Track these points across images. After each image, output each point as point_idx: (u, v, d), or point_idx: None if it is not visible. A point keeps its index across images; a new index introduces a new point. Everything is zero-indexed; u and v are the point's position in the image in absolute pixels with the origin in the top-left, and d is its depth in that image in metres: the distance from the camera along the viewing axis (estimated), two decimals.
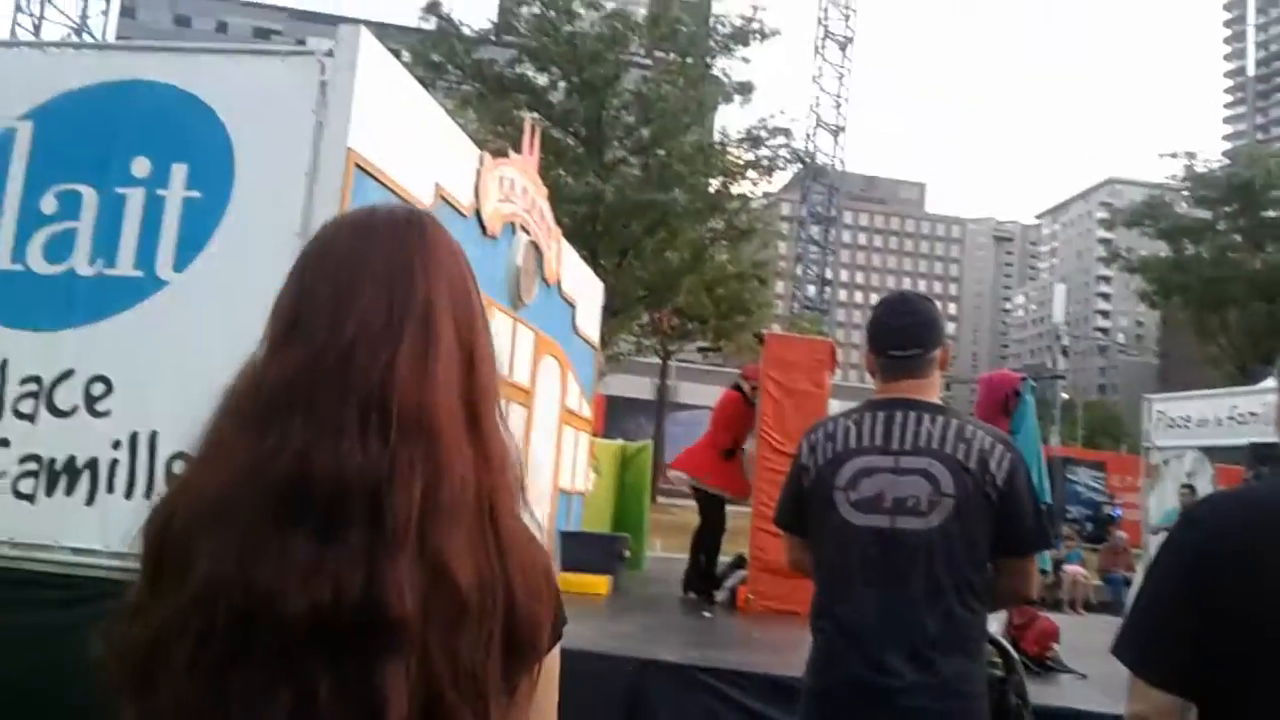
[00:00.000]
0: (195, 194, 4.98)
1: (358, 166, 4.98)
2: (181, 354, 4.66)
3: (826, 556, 2.57)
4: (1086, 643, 5.63)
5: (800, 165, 37.12)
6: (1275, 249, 35.98)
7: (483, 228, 6.72)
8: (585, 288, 10.00)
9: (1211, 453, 16.08)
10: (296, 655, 0.94)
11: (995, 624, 3.09)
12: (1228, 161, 42.36)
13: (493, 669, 1.00)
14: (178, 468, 4.32)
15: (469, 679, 0.98)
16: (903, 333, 2.66)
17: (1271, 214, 37.80)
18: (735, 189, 29.26)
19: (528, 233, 7.55)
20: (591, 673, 4.12)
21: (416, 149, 5.70)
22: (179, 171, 5.01)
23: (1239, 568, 1.66)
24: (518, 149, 7.86)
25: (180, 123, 5.08)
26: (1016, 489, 2.43)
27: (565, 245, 9.06)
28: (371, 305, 1.06)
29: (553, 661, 1.12)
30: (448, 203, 6.04)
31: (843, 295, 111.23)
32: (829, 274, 54.37)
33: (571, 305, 9.25)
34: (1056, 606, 13.25)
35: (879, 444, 2.52)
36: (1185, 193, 40.98)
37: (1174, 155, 40.28)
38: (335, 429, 1.00)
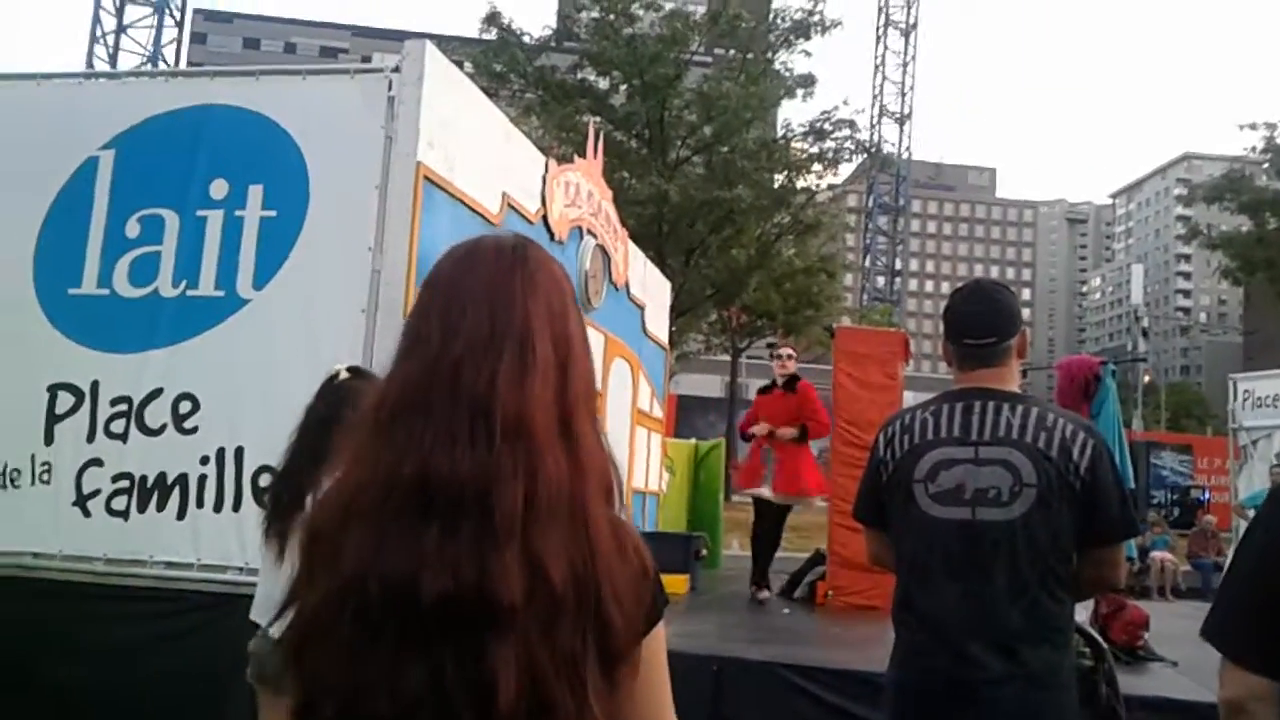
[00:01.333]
0: (272, 213, 5.11)
1: (427, 179, 5.06)
2: (264, 369, 4.79)
3: (907, 550, 2.55)
4: (1176, 630, 5.51)
5: (865, 156, 36.71)
6: None
7: (550, 233, 6.78)
8: (653, 289, 10.03)
9: None
10: (425, 637, 1.07)
11: (1082, 613, 3.04)
12: None
13: (589, 658, 1.10)
14: (264, 481, 4.46)
15: (567, 667, 1.08)
16: (978, 321, 2.62)
17: None
18: (800, 183, 29.06)
19: (595, 236, 7.60)
20: (672, 673, 4.15)
21: (484, 159, 5.77)
22: (255, 192, 5.15)
23: None
24: (582, 154, 7.92)
25: (254, 144, 5.22)
26: (1100, 476, 2.39)
27: (632, 247, 9.09)
28: (476, 325, 1.19)
29: (655, 642, 1.21)
30: (515, 210, 6.11)
31: (913, 285, 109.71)
32: (898, 264, 53.74)
33: (640, 307, 9.28)
34: (1144, 594, 12.92)
35: (957, 435, 2.50)
36: (1266, 165, 39.66)
37: (1253, 127, 39.00)
38: (449, 435, 1.13)
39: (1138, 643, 5.25)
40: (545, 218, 6.69)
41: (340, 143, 5.13)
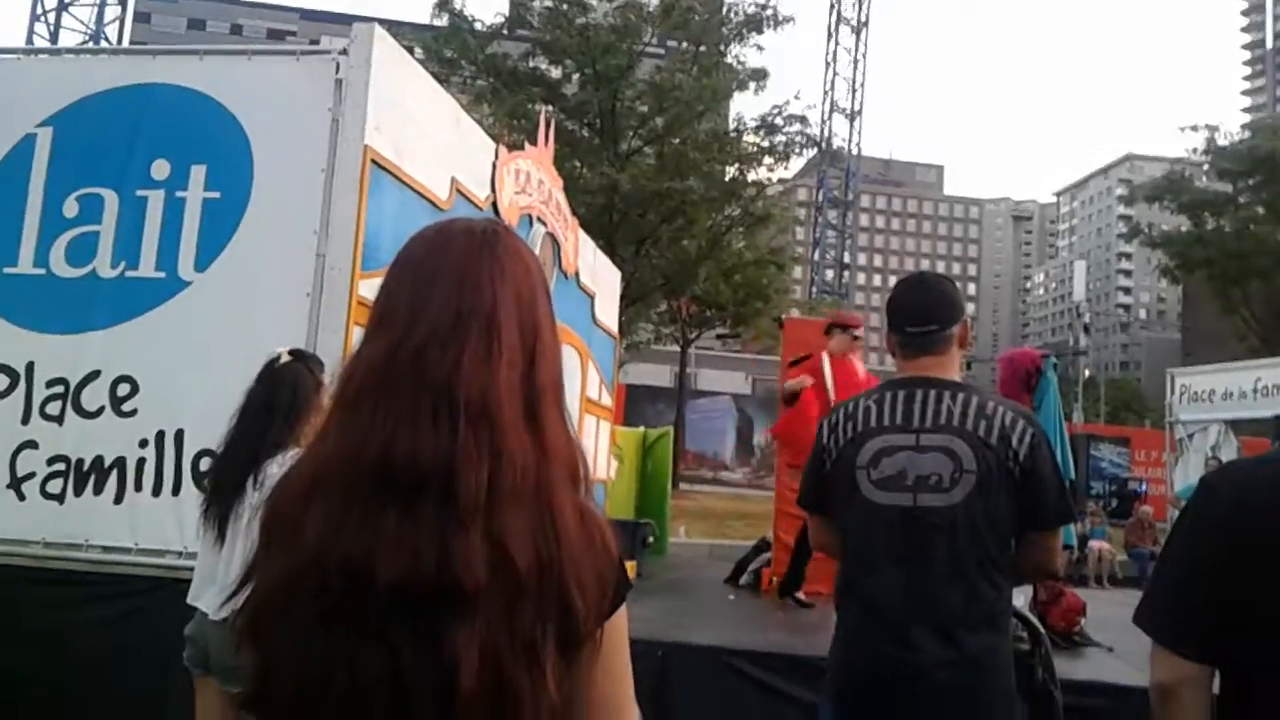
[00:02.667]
0: (215, 195, 5.02)
1: (374, 163, 5.00)
2: (205, 352, 4.71)
3: (850, 536, 2.58)
4: (1112, 616, 5.62)
5: (816, 150, 36.93)
6: None
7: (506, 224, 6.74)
8: (603, 278, 10.01)
9: (1236, 425, 15.99)
10: (383, 618, 1.07)
11: (1021, 599, 3.10)
12: (1248, 134, 41.84)
13: (550, 641, 1.11)
14: (205, 465, 4.40)
15: (527, 650, 1.09)
16: (919, 310, 2.66)
17: None
18: (751, 176, 29.13)
19: (544, 224, 7.57)
20: None
21: (433, 144, 5.71)
22: (198, 173, 5.05)
23: (1262, 531, 1.67)
24: (533, 142, 7.88)
25: (198, 125, 5.12)
26: (1039, 464, 2.43)
27: (582, 236, 9.07)
28: (441, 307, 1.19)
29: (617, 626, 1.22)
30: (464, 196, 6.06)
31: (861, 279, 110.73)
32: (847, 258, 54.17)
33: (590, 295, 9.26)
34: (1082, 582, 13.21)
35: (900, 423, 2.53)
36: (1206, 166, 40.52)
37: (1194, 128, 39.82)
38: (412, 417, 1.13)
39: (1074, 629, 5.35)
40: (494, 204, 6.64)
41: (286, 125, 5.05)
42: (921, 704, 2.33)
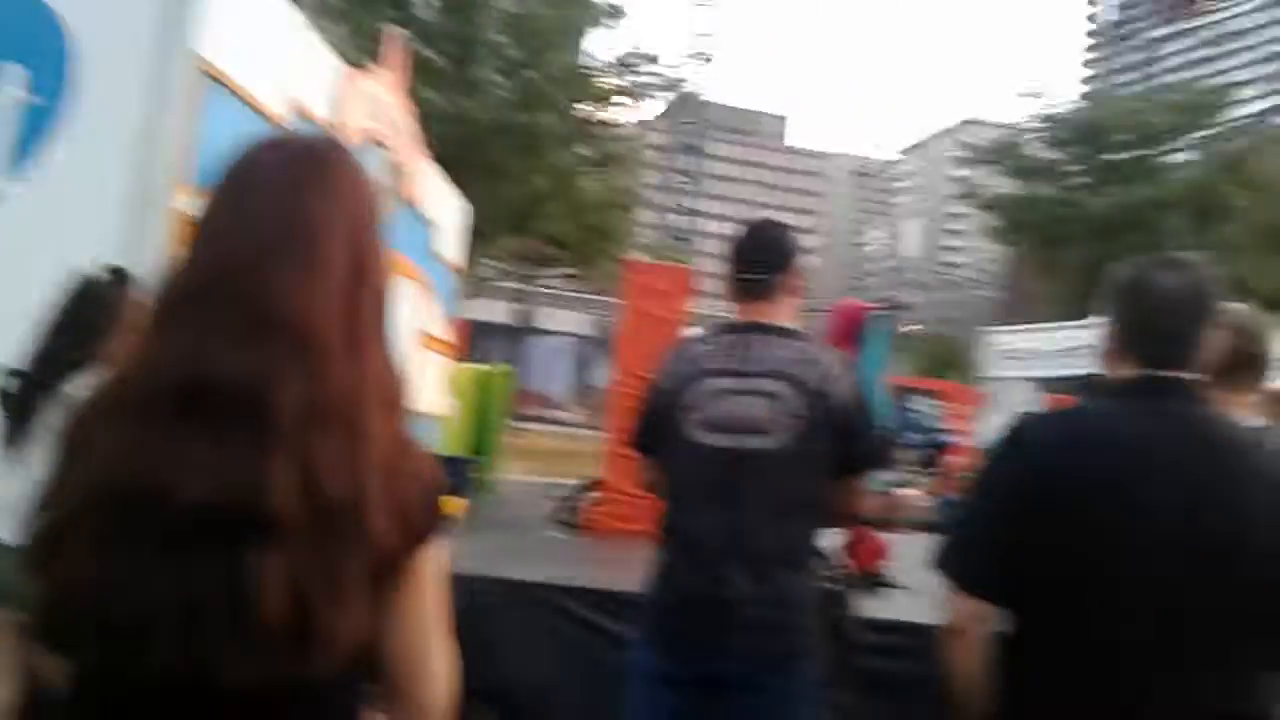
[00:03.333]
0: (29, 97, 4.68)
1: (205, 73, 4.76)
2: (14, 266, 4.41)
3: (675, 475, 2.65)
4: (915, 560, 5.94)
5: (669, 94, 36.94)
6: (1116, 190, 37.68)
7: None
8: (448, 209, 9.82)
9: (1044, 383, 17.01)
10: (181, 542, 1.04)
11: (829, 540, 3.26)
12: (1082, 104, 43.99)
13: (357, 571, 1.10)
14: (9, 384, 4.14)
15: (332, 578, 1.08)
16: (753, 256, 2.73)
17: (1115, 156, 39.52)
18: (604, 115, 28.95)
19: (388, 149, 7.37)
20: None
21: (270, 58, 5.46)
22: (11, 73, 4.70)
23: (1056, 480, 1.80)
24: (381, 64, 7.63)
25: (13, 21, 4.75)
26: (856, 411, 2.55)
27: (428, 165, 8.87)
28: (265, 223, 1.16)
29: (432, 559, 1.23)
30: (304, 115, 5.84)
31: (707, 225, 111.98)
32: (694, 204, 54.65)
33: (433, 226, 9.09)
34: (889, 527, 13.85)
35: (730, 366, 2.60)
36: (1039, 134, 42.46)
37: (1037, 96, 41.62)
38: (227, 335, 1.09)
39: (878, 570, 5.65)
40: (336, 125, 6.42)
41: (111, 27, 4.73)
42: (731, 638, 2.43)
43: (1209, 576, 1.70)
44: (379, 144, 7.24)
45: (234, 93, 5.02)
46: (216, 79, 4.85)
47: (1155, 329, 1.89)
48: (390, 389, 1.21)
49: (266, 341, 1.10)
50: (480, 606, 4.18)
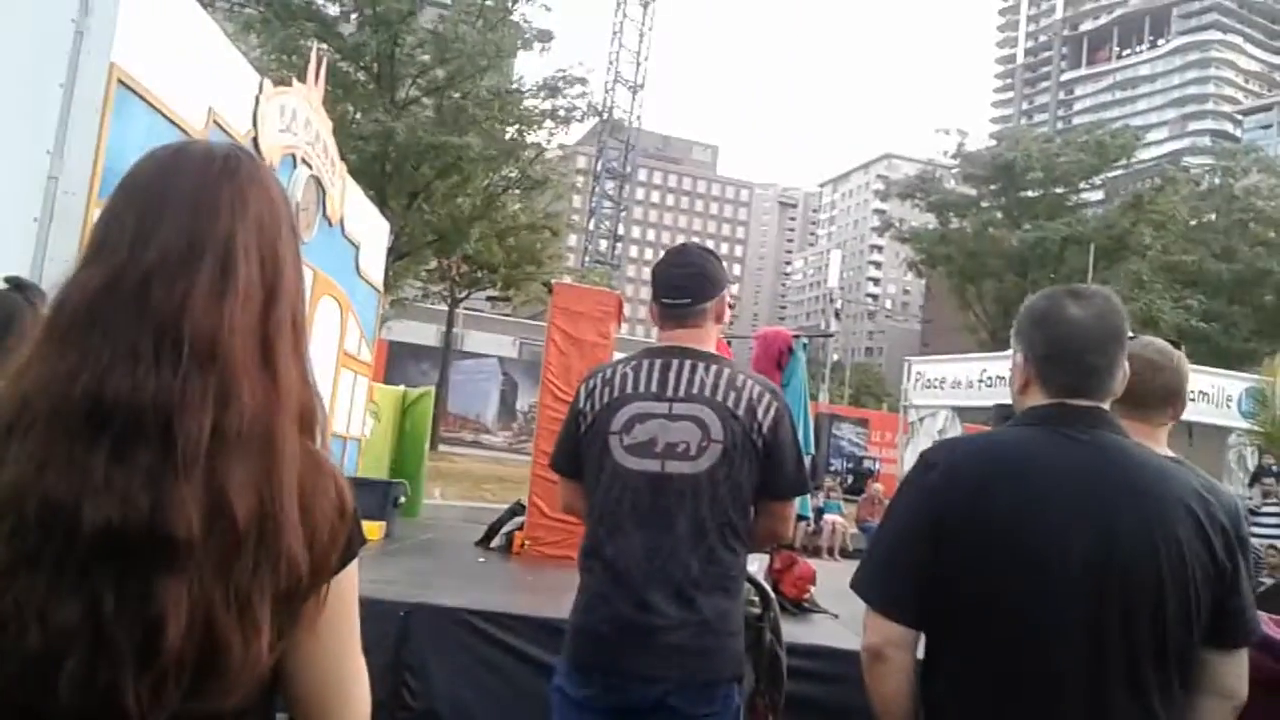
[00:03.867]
0: None
1: (121, 83, 4.65)
2: None
3: (599, 499, 2.61)
4: (841, 586, 5.97)
5: (597, 119, 37.12)
6: (1031, 226, 38.82)
7: (260, 158, 6.40)
8: (370, 229, 9.71)
9: (962, 412, 17.38)
10: (85, 568, 0.99)
11: (756, 566, 3.25)
12: (995, 142, 45.39)
13: (267, 597, 1.05)
14: None
15: (241, 605, 1.03)
16: (678, 282, 2.72)
17: (1029, 194, 40.81)
18: (531, 138, 28.95)
19: (309, 166, 7.25)
20: (359, 618, 4.07)
21: (189, 69, 5.36)
22: None
23: (970, 505, 1.81)
24: (302, 80, 7.52)
25: None
26: (781, 436, 2.54)
27: (350, 183, 8.76)
28: (172, 235, 1.09)
29: (346, 582, 1.17)
30: (222, 128, 5.73)
31: (634, 251, 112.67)
32: (621, 229, 54.89)
33: (355, 245, 8.97)
34: (816, 553, 14.01)
35: (654, 390, 2.58)
36: (955, 169, 43.66)
37: (947, 132, 42.89)
38: (131, 354, 1.03)
39: (804, 596, 5.66)
40: (255, 140, 6.30)
41: (21, 32, 4.59)
42: (655, 664, 2.40)
43: (1120, 603, 1.72)
44: (301, 160, 7.12)
45: (149, 104, 4.90)
46: (131, 88, 4.74)
47: (1066, 359, 1.91)
48: (305, 408, 1.15)
49: (174, 360, 1.04)
50: (406, 632, 4.10)
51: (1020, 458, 1.86)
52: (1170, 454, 2.37)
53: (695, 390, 2.55)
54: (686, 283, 2.71)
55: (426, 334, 34.32)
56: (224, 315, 1.08)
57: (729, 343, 7.86)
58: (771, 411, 2.55)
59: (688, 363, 2.60)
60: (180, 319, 1.06)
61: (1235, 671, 1.83)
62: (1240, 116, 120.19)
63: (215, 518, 1.02)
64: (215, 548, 1.02)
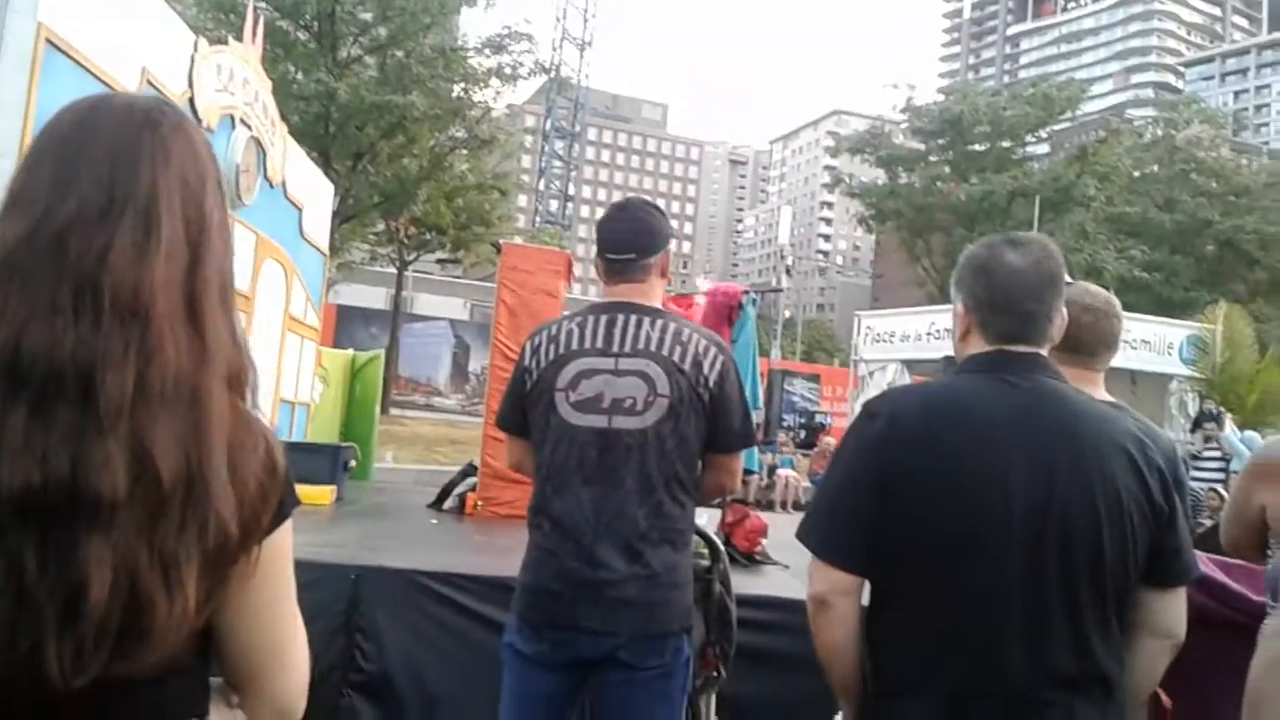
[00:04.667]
0: None
1: (49, 43, 4.53)
2: None
3: (546, 456, 2.60)
4: (792, 539, 6.03)
5: (544, 76, 36.68)
6: (978, 180, 39.15)
7: (197, 119, 6.26)
8: (314, 191, 9.56)
9: (911, 365, 17.58)
10: (3, 529, 0.97)
11: (705, 518, 3.27)
12: (943, 97, 45.64)
13: (194, 556, 1.03)
14: None
15: (167, 566, 1.01)
16: (621, 237, 2.70)
17: (976, 148, 41.14)
18: (477, 97, 28.55)
19: (249, 127, 7.10)
20: (307, 582, 4.04)
21: (121, 28, 5.23)
22: None
23: (912, 452, 1.82)
24: (239, 38, 7.35)
25: None
26: (727, 390, 2.55)
27: (292, 144, 8.60)
28: (90, 187, 1.06)
29: (279, 541, 1.16)
30: (156, 89, 5.59)
31: (585, 211, 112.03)
32: (571, 189, 54.53)
33: (298, 208, 8.83)
34: (770, 506, 14.16)
35: (600, 346, 2.57)
36: (904, 125, 43.86)
37: (895, 87, 43.09)
38: (50, 308, 1.01)
39: (756, 549, 5.71)
40: (192, 100, 6.17)
41: None
42: (605, 618, 2.41)
43: (1059, 544, 1.75)
44: (240, 121, 6.98)
45: (80, 64, 4.78)
46: (60, 48, 4.61)
47: (1004, 306, 1.93)
48: (234, 368, 1.12)
49: (95, 315, 1.02)
50: (356, 595, 4.08)
51: (961, 405, 1.88)
52: (1109, 399, 2.41)
53: (641, 345, 2.55)
54: (630, 238, 2.70)
55: (375, 297, 33.97)
56: (146, 271, 1.05)
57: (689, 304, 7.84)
58: (717, 365, 2.55)
59: (633, 318, 2.60)
60: (99, 273, 1.03)
61: (1173, 611, 1.87)
62: (1182, 69, 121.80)
63: (139, 477, 1.00)
64: (140, 507, 1.00)
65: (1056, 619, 1.75)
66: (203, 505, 1.04)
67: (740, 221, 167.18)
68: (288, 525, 1.17)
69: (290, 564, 1.20)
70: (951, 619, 1.78)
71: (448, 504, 7.57)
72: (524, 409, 2.67)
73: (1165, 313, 26.35)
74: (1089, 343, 2.45)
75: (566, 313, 3.04)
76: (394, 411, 26.49)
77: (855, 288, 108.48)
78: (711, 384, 2.53)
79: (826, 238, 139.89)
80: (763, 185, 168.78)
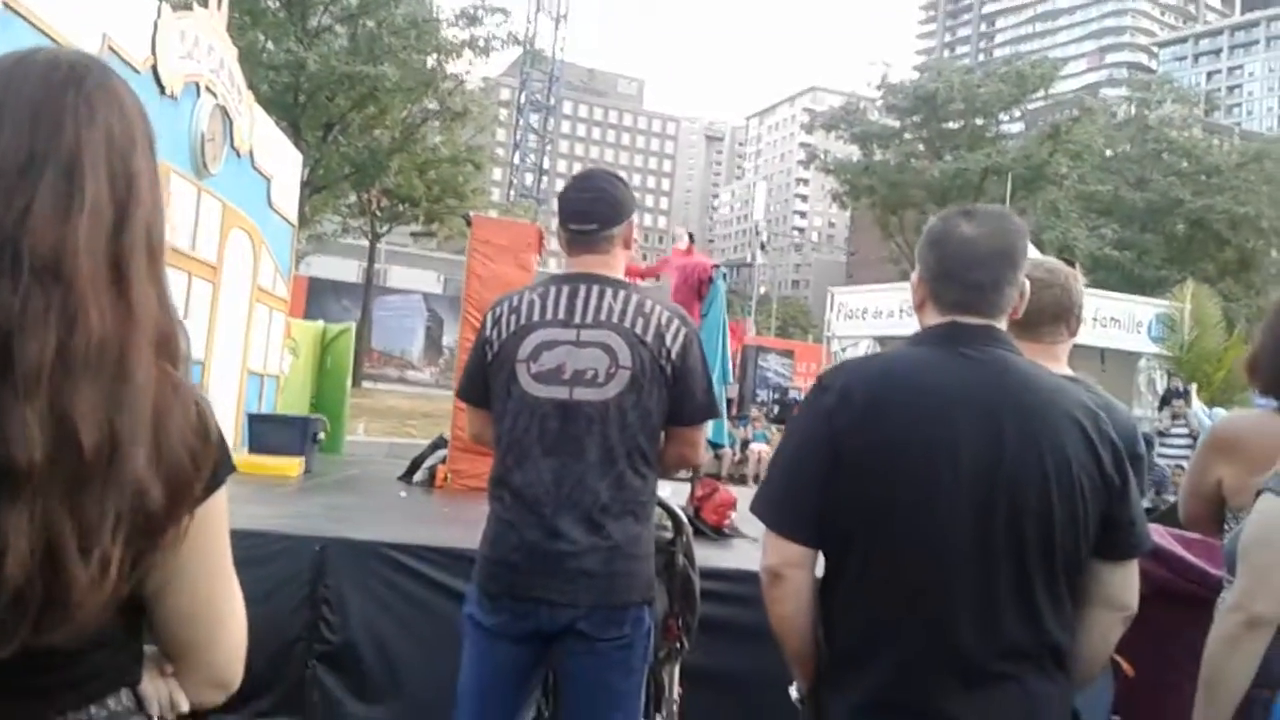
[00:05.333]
0: None
1: (7, 6, 4.45)
2: None
3: (507, 428, 2.58)
4: None
5: (519, 48, 36.34)
6: (952, 158, 39.23)
7: (160, 86, 6.17)
8: (283, 161, 9.45)
9: (884, 341, 17.63)
10: None
11: (669, 490, 3.26)
12: (918, 74, 45.64)
13: (120, 526, 1.01)
14: None
15: (88, 535, 0.99)
16: (582, 208, 2.68)
17: (950, 125, 41.20)
18: (450, 68, 28.27)
19: (214, 95, 7.00)
20: (273, 554, 4.03)
21: None
22: None
23: (863, 424, 1.82)
24: (204, 4, 7.23)
25: None
26: (689, 362, 2.54)
27: (260, 114, 8.50)
28: (11, 146, 1.02)
29: (213, 508, 1.13)
30: (118, 55, 5.50)
31: (559, 185, 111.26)
32: (546, 163, 54.15)
33: (266, 178, 8.73)
34: (743, 481, 14.19)
35: (561, 317, 2.55)
36: (879, 101, 43.82)
37: (872, 64, 43.04)
38: None
39: (725, 522, 5.72)
40: (155, 68, 6.07)
41: None
42: (565, 589, 2.40)
43: (1008, 515, 1.75)
44: (205, 89, 6.87)
45: (37, 28, 4.68)
46: (17, 11, 4.52)
47: (953, 276, 1.92)
48: (163, 334, 1.09)
49: (13, 277, 0.98)
50: (322, 566, 4.06)
51: (911, 376, 1.88)
52: (1069, 373, 2.41)
53: (603, 317, 2.53)
54: (592, 209, 2.67)
55: (348, 270, 33.73)
56: (69, 232, 1.02)
57: (658, 278, 7.82)
58: (680, 337, 2.53)
59: (595, 289, 2.58)
60: (19, 234, 0.99)
61: (1124, 583, 1.87)
62: (1156, 49, 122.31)
63: (60, 444, 0.97)
64: (60, 475, 0.98)
65: (1006, 590, 1.75)
66: (126, 474, 1.01)
67: (716, 197, 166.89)
68: (222, 493, 1.14)
69: (225, 532, 1.18)
70: (901, 590, 1.79)
71: (417, 477, 7.54)
72: (485, 380, 2.65)
73: (1136, 291, 26.57)
74: (1041, 315, 2.45)
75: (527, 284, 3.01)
76: (366, 385, 26.37)
77: (830, 264, 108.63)
78: (674, 355, 2.51)
79: (802, 214, 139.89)
80: (739, 161, 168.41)
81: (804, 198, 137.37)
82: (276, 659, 3.93)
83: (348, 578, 4.05)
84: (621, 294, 2.57)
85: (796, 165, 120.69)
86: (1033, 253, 2.24)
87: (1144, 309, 18.96)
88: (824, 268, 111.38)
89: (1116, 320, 17.81)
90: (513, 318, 2.61)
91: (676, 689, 3.18)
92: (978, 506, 1.75)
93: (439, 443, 7.94)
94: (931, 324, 1.95)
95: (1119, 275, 34.22)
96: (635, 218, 2.80)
